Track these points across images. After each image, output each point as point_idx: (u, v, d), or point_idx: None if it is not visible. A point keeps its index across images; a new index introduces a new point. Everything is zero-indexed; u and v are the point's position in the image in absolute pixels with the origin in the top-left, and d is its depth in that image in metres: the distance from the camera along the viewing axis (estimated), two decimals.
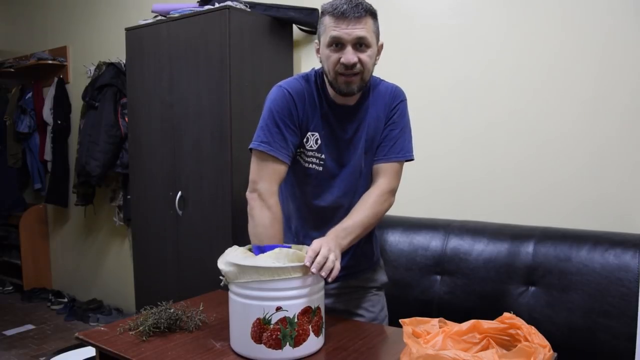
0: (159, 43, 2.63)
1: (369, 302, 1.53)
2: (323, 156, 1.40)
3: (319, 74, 1.41)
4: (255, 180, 1.34)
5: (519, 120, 2.09)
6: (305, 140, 1.39)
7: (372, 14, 1.29)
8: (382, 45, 1.36)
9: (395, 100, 1.42)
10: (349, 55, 1.26)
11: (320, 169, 1.41)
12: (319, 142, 1.39)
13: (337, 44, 1.28)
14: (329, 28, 1.28)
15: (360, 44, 1.28)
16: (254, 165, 1.36)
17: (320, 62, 1.36)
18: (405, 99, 1.45)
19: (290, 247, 1.21)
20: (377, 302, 1.55)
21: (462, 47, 2.21)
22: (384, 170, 1.40)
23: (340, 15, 1.25)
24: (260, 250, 1.20)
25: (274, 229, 1.31)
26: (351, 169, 1.41)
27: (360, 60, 1.28)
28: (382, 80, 1.46)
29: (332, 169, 1.41)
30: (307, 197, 1.45)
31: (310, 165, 1.41)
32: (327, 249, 1.15)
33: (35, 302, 4.15)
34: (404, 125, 1.42)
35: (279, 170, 1.34)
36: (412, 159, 1.43)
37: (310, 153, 1.40)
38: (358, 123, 1.40)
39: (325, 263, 1.13)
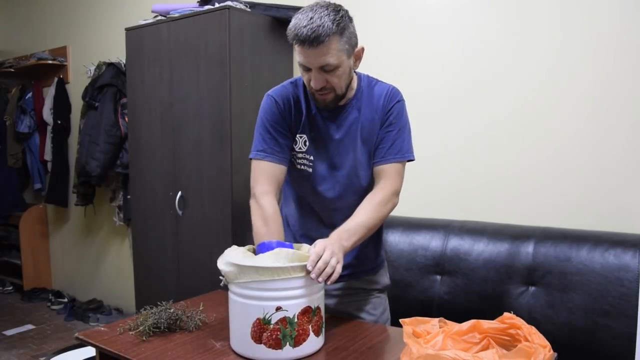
0: (159, 43, 2.63)
1: (370, 305, 1.53)
2: (312, 157, 1.41)
3: None
4: (253, 186, 1.38)
5: (519, 121, 2.09)
6: (295, 142, 1.41)
7: (337, 31, 1.22)
8: (362, 49, 1.34)
9: (391, 102, 1.40)
10: (315, 81, 1.28)
11: (311, 170, 1.41)
12: (307, 143, 1.41)
13: (305, 67, 1.28)
14: (296, 50, 1.27)
15: (326, 68, 1.26)
16: (252, 173, 1.40)
17: None
18: (402, 100, 1.42)
19: (290, 245, 1.21)
20: (379, 305, 1.55)
21: (462, 46, 2.21)
22: (385, 172, 1.38)
23: (301, 42, 1.22)
24: (260, 249, 1.20)
25: (265, 228, 1.31)
26: (345, 171, 1.41)
27: (328, 82, 1.28)
28: (379, 81, 1.45)
29: (323, 171, 1.41)
30: (305, 199, 1.47)
31: (302, 167, 1.42)
32: (330, 253, 1.15)
33: (35, 302, 4.15)
34: (401, 126, 1.39)
35: (275, 172, 1.37)
36: (412, 159, 1.41)
37: (300, 155, 1.42)
38: (349, 124, 1.39)
39: (325, 269, 1.13)
